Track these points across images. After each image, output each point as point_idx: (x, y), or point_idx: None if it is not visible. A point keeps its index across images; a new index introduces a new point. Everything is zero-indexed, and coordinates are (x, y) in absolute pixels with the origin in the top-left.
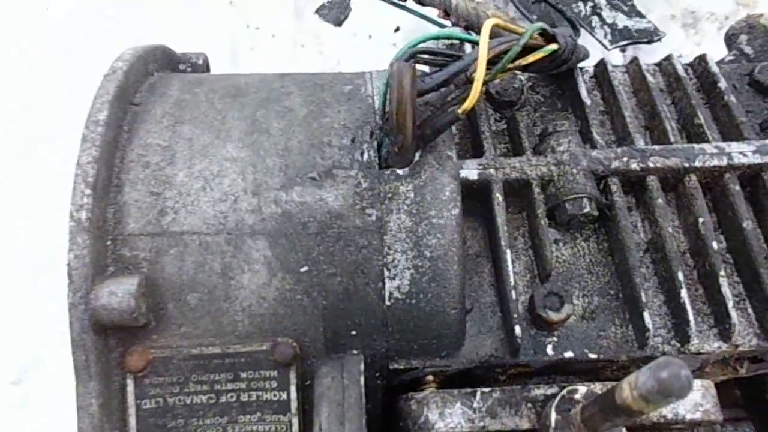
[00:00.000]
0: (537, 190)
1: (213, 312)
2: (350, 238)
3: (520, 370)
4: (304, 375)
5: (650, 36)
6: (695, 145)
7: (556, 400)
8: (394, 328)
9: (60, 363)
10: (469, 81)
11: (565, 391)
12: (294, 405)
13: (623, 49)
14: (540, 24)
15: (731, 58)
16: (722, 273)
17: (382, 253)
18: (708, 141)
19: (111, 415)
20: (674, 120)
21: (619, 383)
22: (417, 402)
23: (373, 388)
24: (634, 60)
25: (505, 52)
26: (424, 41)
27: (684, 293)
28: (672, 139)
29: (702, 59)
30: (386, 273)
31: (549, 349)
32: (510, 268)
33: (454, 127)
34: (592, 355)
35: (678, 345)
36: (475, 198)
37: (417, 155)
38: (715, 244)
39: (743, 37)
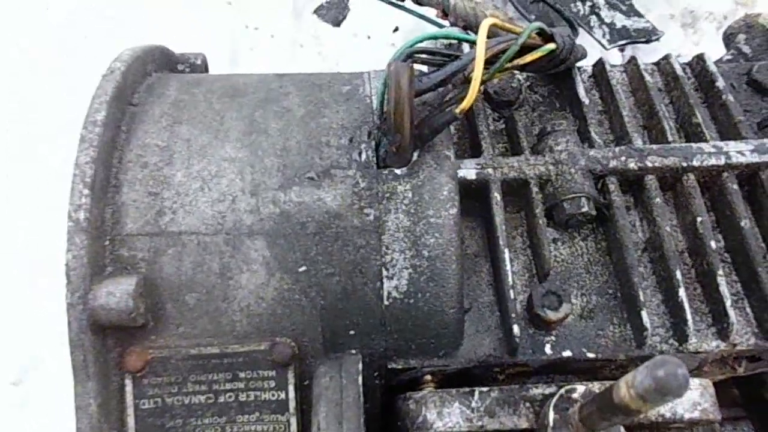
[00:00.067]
0: (535, 189)
1: (211, 312)
2: (348, 237)
3: (519, 369)
4: (302, 375)
5: (649, 35)
6: (693, 145)
7: (554, 400)
8: (392, 327)
9: (60, 363)
10: (467, 81)
11: (563, 390)
12: (292, 405)
13: (622, 49)
14: (538, 23)
15: (729, 57)
16: (720, 272)
17: (380, 253)
18: (706, 140)
19: (109, 415)
20: (672, 119)
21: (616, 382)
22: (415, 401)
23: (372, 388)
24: (632, 59)
25: (503, 51)
26: (421, 41)
27: (682, 292)
28: (670, 138)
29: (700, 58)
30: (384, 273)
31: (547, 349)
32: (508, 267)
33: (452, 127)
34: (591, 355)
35: (676, 344)
36: (473, 197)
37: (415, 155)
38: (713, 243)
39: (741, 37)
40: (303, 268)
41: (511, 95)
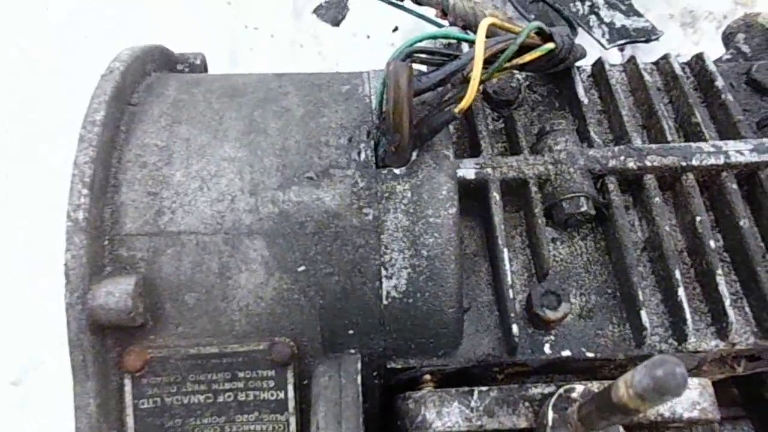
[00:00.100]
0: (534, 189)
1: (210, 312)
2: (347, 237)
3: (518, 369)
4: (301, 374)
5: (648, 35)
6: (692, 144)
7: (553, 399)
8: (391, 327)
9: (59, 363)
10: (466, 80)
11: (562, 390)
12: (291, 404)
13: (622, 48)
14: (537, 23)
15: (728, 56)
16: (719, 271)
17: (380, 253)
18: (705, 140)
19: (108, 415)
20: (671, 119)
21: (615, 381)
22: (414, 401)
23: (371, 388)
24: (632, 59)
25: (502, 51)
26: (421, 41)
27: (681, 291)
28: (669, 137)
29: (699, 58)
30: (383, 272)
31: (546, 348)
32: (507, 267)
33: (451, 127)
34: (590, 354)
35: (675, 343)
36: (472, 197)
37: (414, 154)
38: (712, 243)
39: (741, 36)
40: (302, 268)
41: (510, 95)
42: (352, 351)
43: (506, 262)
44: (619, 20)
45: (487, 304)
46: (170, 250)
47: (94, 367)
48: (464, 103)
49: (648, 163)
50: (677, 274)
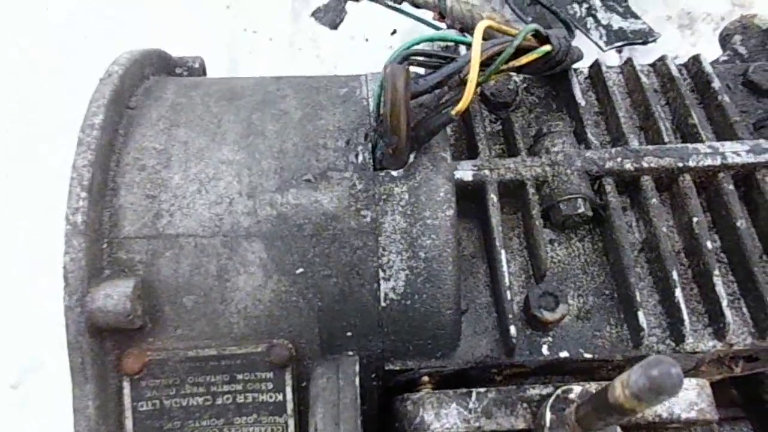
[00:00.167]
0: (532, 190)
1: (209, 314)
2: (345, 239)
3: (516, 370)
4: (299, 376)
5: (645, 37)
6: (689, 145)
7: (551, 400)
8: (389, 329)
9: (59, 366)
10: (463, 83)
11: (559, 391)
12: (290, 406)
13: (619, 50)
14: (533, 25)
15: (725, 58)
16: (716, 272)
17: (377, 255)
18: (702, 141)
19: (107, 418)
20: (668, 120)
21: (611, 382)
22: (413, 403)
23: (369, 389)
24: (629, 61)
25: (499, 53)
26: (418, 43)
27: (678, 292)
28: (666, 139)
29: (696, 59)
30: (381, 274)
31: (544, 349)
32: (505, 268)
33: (449, 129)
34: (588, 355)
35: (673, 344)
36: (470, 199)
37: (411, 157)
38: (709, 244)
39: (737, 38)
40: (300, 270)
41: (507, 97)
42: (351, 353)
43: (504, 263)
44: (617, 22)
45: (485, 305)
46: (169, 253)
47: (92, 370)
48: (461, 106)
49: (645, 165)
50: (674, 274)
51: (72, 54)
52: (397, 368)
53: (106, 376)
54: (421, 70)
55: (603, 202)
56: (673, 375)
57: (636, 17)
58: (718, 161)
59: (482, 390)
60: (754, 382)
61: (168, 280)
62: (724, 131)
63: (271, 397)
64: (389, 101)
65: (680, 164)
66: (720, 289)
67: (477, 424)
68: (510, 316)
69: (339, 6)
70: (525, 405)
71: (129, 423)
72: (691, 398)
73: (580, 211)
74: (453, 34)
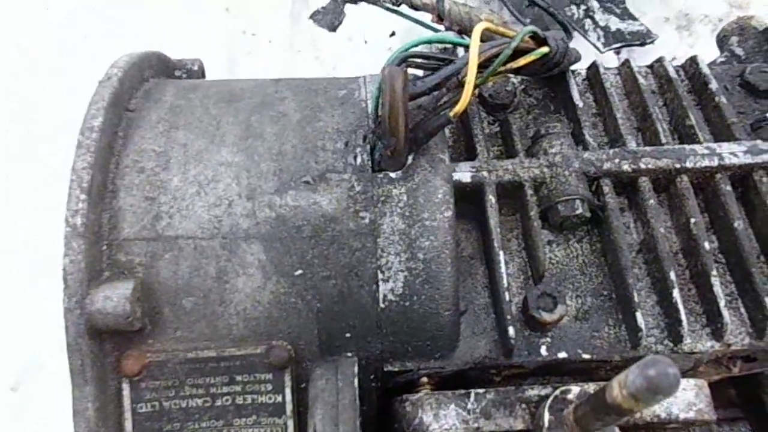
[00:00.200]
0: (530, 192)
1: (208, 316)
2: (344, 241)
3: (515, 371)
4: (299, 377)
5: (643, 38)
6: (686, 146)
7: (549, 401)
8: (388, 330)
9: (58, 367)
10: (461, 84)
11: (558, 392)
12: (289, 407)
13: (617, 52)
14: (531, 27)
15: (723, 59)
16: (714, 273)
17: (376, 256)
18: (699, 142)
19: (107, 419)
20: (666, 121)
21: (609, 382)
22: (411, 404)
23: (368, 390)
24: (626, 62)
25: (497, 55)
26: (416, 45)
27: (676, 293)
28: (663, 140)
29: (693, 61)
30: (380, 275)
31: (543, 350)
32: (503, 269)
33: (447, 130)
34: (586, 356)
35: (671, 345)
36: (468, 200)
37: (410, 158)
38: (706, 244)
39: (734, 39)
40: (299, 272)
41: (505, 98)
42: (349, 354)
43: (502, 264)
44: (614, 24)
45: (483, 306)
46: (168, 255)
47: (92, 372)
48: (459, 107)
49: (642, 166)
50: (672, 275)
51: (72, 54)
52: (396, 369)
53: (105, 377)
54: (420, 72)
55: (601, 203)
56: (669, 375)
57: (634, 19)
58: (715, 162)
59: (481, 391)
60: (752, 382)
61: (167, 281)
62: (722, 132)
63: (270, 398)
64: (388, 103)
65: (678, 165)
66: (718, 289)
67: (476, 425)
68: (508, 317)
69: (338, 8)
70: (523, 406)
71: (129, 424)
72: (690, 398)
73: (578, 212)
74: (451, 36)
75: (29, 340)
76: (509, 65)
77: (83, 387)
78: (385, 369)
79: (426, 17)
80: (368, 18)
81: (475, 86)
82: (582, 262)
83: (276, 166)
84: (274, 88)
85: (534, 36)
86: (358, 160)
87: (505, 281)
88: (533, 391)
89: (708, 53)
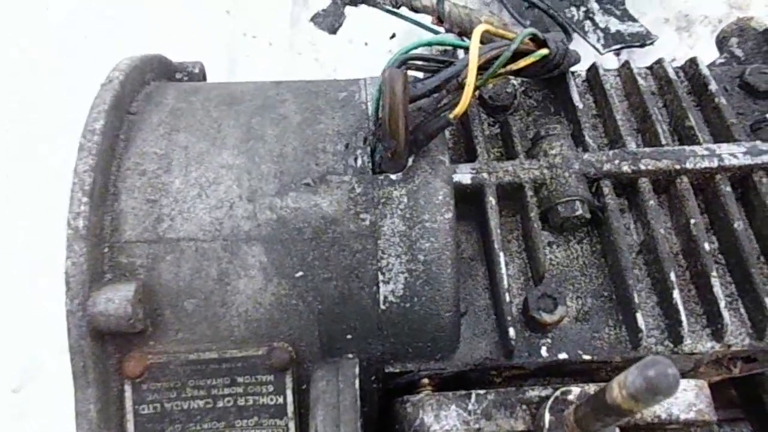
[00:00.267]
0: (530, 193)
1: (210, 317)
2: (345, 242)
3: (515, 372)
4: (300, 379)
5: (643, 40)
6: (686, 147)
7: (550, 402)
8: (389, 331)
9: (60, 369)
10: (461, 86)
11: (558, 392)
12: (290, 409)
13: (617, 53)
14: (531, 29)
15: (722, 60)
16: (714, 273)
17: (377, 258)
18: (699, 143)
19: (109, 421)
20: (665, 122)
21: (609, 383)
22: (412, 405)
23: (369, 392)
24: (626, 63)
25: (496, 57)
26: (416, 48)
27: (676, 294)
28: (663, 141)
29: (693, 62)
30: (381, 277)
31: (543, 351)
32: (504, 270)
33: (447, 132)
34: (586, 357)
35: (671, 345)
36: (468, 202)
37: (410, 160)
38: (706, 245)
39: (734, 40)
40: (300, 273)
41: (505, 100)
42: (350, 355)
43: (502, 266)
44: (614, 25)
45: (484, 307)
46: (169, 257)
47: (94, 374)
48: (459, 109)
49: (642, 167)
50: (672, 276)
51: (72, 54)
52: (397, 370)
53: (107, 379)
54: (420, 74)
55: (601, 204)
56: (669, 375)
57: (633, 20)
58: (715, 163)
59: (482, 392)
60: (752, 382)
61: (169, 283)
62: (721, 133)
63: (271, 399)
64: (388, 105)
65: (677, 166)
66: (718, 290)
67: (476, 426)
68: (509, 318)
69: (338, 10)
70: (524, 406)
71: (131, 426)
72: (690, 399)
73: (578, 213)
74: (451, 38)
75: (30, 341)
76: (509, 67)
77: (85, 389)
78: (386, 370)
79: (426, 19)
80: (368, 20)
81: (475, 88)
82: (582, 263)
83: (277, 168)
84: (275, 91)
85: (534, 38)
86: (359, 162)
87: (505, 282)
88: (534, 392)
89: (708, 54)
